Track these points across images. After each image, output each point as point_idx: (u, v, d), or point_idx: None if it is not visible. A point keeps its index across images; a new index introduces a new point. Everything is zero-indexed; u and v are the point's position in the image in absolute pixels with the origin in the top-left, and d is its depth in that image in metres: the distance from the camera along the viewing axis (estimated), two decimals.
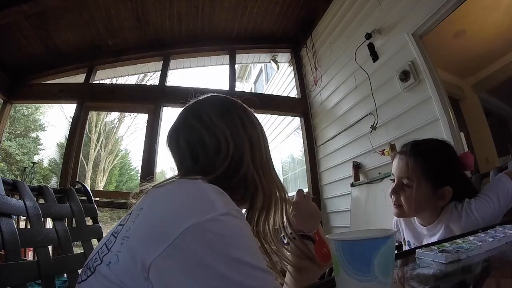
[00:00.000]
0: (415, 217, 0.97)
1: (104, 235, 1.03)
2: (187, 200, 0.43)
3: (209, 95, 0.65)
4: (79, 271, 0.87)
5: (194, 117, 0.60)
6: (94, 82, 3.67)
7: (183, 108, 0.64)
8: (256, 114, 0.66)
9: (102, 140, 11.92)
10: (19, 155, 9.63)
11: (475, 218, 0.80)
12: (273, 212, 0.60)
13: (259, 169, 0.58)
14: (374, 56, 2.45)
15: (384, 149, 2.27)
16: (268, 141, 0.66)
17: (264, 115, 5.12)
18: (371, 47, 2.47)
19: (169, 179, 0.53)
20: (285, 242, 0.67)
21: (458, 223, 0.81)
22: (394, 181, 0.92)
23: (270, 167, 0.62)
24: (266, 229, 0.60)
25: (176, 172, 0.59)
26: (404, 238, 1.01)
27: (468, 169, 0.93)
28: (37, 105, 10.55)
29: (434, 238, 0.86)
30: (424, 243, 0.90)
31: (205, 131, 0.57)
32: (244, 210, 0.60)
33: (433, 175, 0.85)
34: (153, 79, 9.62)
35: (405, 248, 0.99)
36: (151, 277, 0.38)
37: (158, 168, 4.46)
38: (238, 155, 0.56)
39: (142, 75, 9.47)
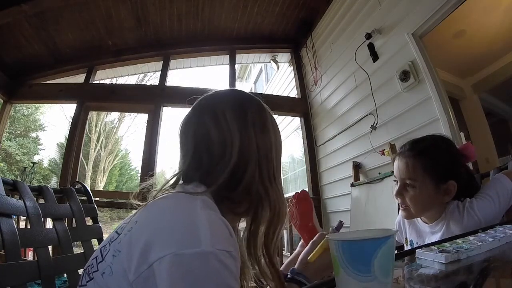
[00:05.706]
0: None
1: (104, 236, 1.04)
2: (175, 226, 0.41)
3: (230, 89, 0.61)
4: (79, 271, 0.87)
5: (208, 112, 0.56)
6: (94, 82, 3.67)
7: (201, 97, 0.60)
8: None
9: (102, 140, 11.92)
10: (19, 155, 9.63)
11: (478, 218, 0.78)
12: (279, 228, 0.55)
13: (266, 181, 0.54)
14: (374, 56, 2.45)
15: (384, 149, 2.27)
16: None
17: None
18: (371, 47, 2.47)
19: (171, 186, 0.53)
20: None
21: (460, 223, 0.80)
22: (397, 182, 0.91)
23: (278, 181, 0.57)
24: (271, 244, 0.55)
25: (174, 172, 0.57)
26: (406, 238, 0.99)
27: (470, 160, 0.91)
28: (37, 105, 10.56)
29: (436, 236, 0.85)
30: (426, 241, 0.89)
31: (215, 129, 0.53)
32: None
33: (435, 171, 0.84)
34: (153, 79, 9.62)
35: (407, 248, 0.97)
36: None
37: (158, 168, 4.45)
38: (242, 162, 0.52)
39: (142, 75, 9.48)
